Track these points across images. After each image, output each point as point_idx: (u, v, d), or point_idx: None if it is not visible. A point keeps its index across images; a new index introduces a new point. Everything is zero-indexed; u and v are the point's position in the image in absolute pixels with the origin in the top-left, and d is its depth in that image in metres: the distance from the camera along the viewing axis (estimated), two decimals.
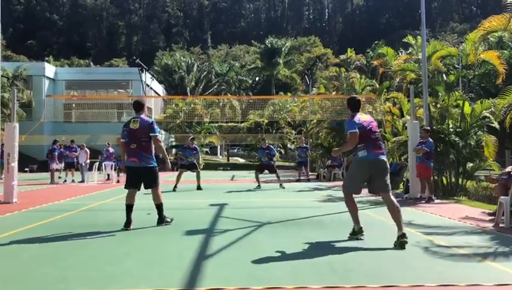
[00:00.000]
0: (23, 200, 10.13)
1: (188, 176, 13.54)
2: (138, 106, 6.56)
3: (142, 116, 6.45)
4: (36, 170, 28.32)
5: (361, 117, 5.62)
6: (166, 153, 6.88)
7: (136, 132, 6.28)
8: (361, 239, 5.43)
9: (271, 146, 14.88)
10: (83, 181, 17.29)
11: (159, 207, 6.52)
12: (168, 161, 6.89)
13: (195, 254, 4.70)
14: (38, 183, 16.48)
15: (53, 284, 3.70)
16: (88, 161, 17.83)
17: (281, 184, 13.90)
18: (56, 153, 17.46)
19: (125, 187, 6.48)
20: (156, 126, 6.41)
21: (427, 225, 6.57)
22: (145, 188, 6.51)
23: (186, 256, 4.58)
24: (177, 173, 13.78)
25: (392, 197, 5.41)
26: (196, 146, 14.09)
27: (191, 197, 11.38)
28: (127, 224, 6.29)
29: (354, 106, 5.74)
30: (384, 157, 5.50)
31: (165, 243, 5.37)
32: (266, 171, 14.54)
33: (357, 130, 5.37)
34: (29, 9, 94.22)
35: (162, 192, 6.73)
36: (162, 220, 6.53)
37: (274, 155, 14.55)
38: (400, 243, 5.00)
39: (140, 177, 6.37)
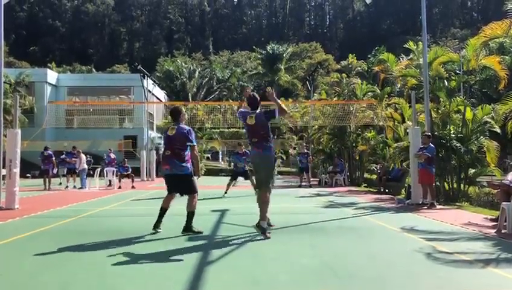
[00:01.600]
0: (25, 206, 10.14)
1: None
2: (174, 114, 6.51)
3: (181, 124, 6.38)
4: (38, 176, 28.33)
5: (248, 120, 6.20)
6: (199, 163, 6.72)
7: (171, 138, 6.29)
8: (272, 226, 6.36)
9: (248, 151, 13.64)
10: (81, 187, 17.21)
11: (189, 215, 6.33)
12: (199, 170, 6.62)
13: (197, 260, 4.69)
14: (40, 190, 16.48)
15: None
16: (85, 167, 17.65)
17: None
18: (53, 158, 17.41)
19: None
20: (193, 135, 6.33)
21: (429, 231, 6.55)
22: (181, 194, 6.48)
23: (188, 262, 4.57)
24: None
25: (267, 194, 6.13)
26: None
27: None
28: (156, 225, 6.37)
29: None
30: (258, 154, 6.10)
31: (167, 250, 5.36)
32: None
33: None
34: (32, 16, 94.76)
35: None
36: (188, 229, 6.30)
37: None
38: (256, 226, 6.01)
39: (176, 184, 6.36)
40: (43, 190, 16.29)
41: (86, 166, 17.71)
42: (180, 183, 6.32)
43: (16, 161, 10.04)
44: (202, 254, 5.04)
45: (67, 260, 4.80)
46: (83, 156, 17.86)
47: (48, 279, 4.06)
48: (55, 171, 17.76)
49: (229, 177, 14.02)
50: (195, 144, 6.32)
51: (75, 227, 7.26)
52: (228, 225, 7.30)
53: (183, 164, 6.24)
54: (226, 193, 13.06)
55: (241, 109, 6.50)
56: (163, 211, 6.43)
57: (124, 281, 3.99)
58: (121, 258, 4.88)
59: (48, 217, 8.53)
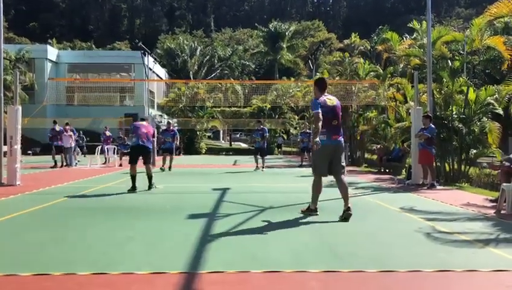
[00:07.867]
0: (26, 183, 10.20)
1: (187, 160, 13.50)
2: (145, 119, 10.02)
3: (145, 122, 9.50)
4: (39, 153, 28.41)
5: (327, 100, 5.96)
6: None
7: (146, 128, 9.31)
8: (315, 215, 6.07)
9: (265, 128, 15.84)
10: (68, 165, 16.64)
11: (150, 177, 9.22)
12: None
13: (197, 238, 4.73)
14: (42, 167, 16.54)
15: (57, 266, 3.72)
16: (72, 145, 17.00)
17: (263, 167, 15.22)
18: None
19: (130, 162, 9.12)
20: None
21: (429, 211, 6.58)
22: (144, 163, 9.25)
23: (188, 240, 4.61)
24: (178, 156, 14.35)
25: (343, 178, 6.05)
26: (174, 129, 15.19)
27: (194, 182, 11.42)
28: (133, 188, 8.77)
29: (321, 86, 6.12)
30: (341, 141, 6.02)
31: (168, 227, 5.40)
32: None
33: (319, 110, 5.79)
34: None
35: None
36: (150, 187, 9.15)
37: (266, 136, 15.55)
38: (345, 215, 5.76)
39: (144, 153, 9.17)
40: (44, 167, 16.26)
41: (73, 144, 17.25)
42: (147, 154, 9.24)
43: (16, 138, 10.05)
44: (202, 231, 5.07)
45: (70, 236, 4.83)
46: (71, 133, 17.21)
47: (51, 255, 4.09)
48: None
49: (253, 156, 15.97)
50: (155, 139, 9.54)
51: (76, 203, 7.31)
52: (228, 203, 7.34)
53: (151, 142, 9.57)
54: (257, 168, 15.16)
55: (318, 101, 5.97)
56: (133, 177, 8.87)
57: (125, 255, 4.03)
58: (123, 234, 4.91)
59: (50, 193, 8.58)
